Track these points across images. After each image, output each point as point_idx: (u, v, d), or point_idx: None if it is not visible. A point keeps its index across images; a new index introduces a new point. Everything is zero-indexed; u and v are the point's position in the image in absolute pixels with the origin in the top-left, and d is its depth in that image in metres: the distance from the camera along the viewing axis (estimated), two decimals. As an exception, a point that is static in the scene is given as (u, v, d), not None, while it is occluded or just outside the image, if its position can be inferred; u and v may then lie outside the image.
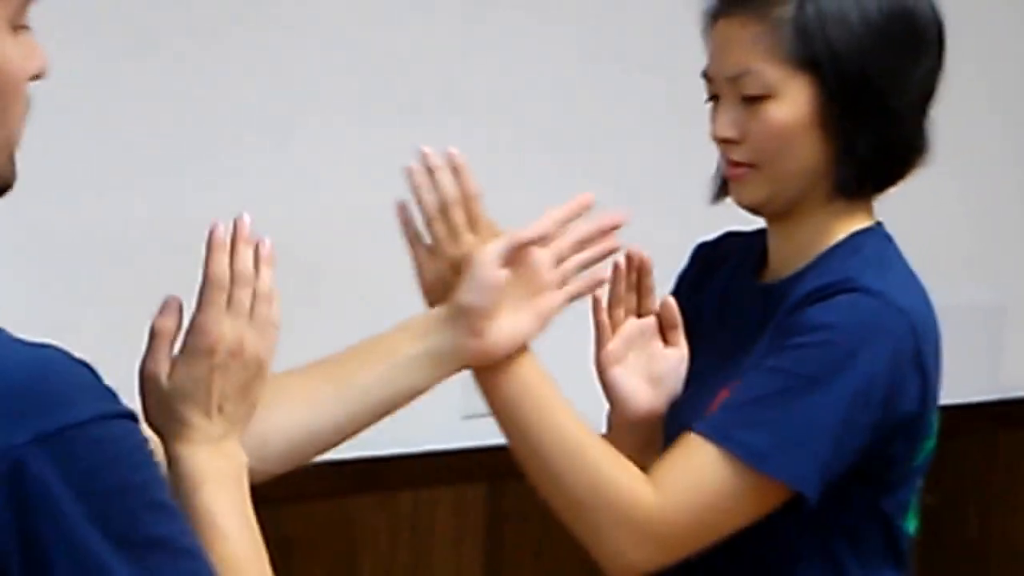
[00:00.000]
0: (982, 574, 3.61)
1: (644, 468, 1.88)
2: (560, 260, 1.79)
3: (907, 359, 1.80)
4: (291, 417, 1.67)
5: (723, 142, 1.85)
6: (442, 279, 1.78)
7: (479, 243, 1.77)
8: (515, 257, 1.75)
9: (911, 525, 1.92)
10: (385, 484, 2.90)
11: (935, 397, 1.86)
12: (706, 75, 1.87)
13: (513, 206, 3.14)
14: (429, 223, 1.79)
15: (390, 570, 2.99)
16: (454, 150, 1.78)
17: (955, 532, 3.56)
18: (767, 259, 1.94)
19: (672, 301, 1.92)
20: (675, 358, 1.93)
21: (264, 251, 1.53)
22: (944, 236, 3.38)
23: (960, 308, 3.23)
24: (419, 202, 1.78)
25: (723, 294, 1.98)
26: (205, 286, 1.50)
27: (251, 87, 2.83)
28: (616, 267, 1.90)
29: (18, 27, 1.32)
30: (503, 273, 1.74)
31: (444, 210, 1.78)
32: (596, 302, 1.90)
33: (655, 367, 1.93)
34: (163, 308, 1.50)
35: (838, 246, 1.87)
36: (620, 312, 1.92)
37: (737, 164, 1.85)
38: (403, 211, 1.80)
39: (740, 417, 1.78)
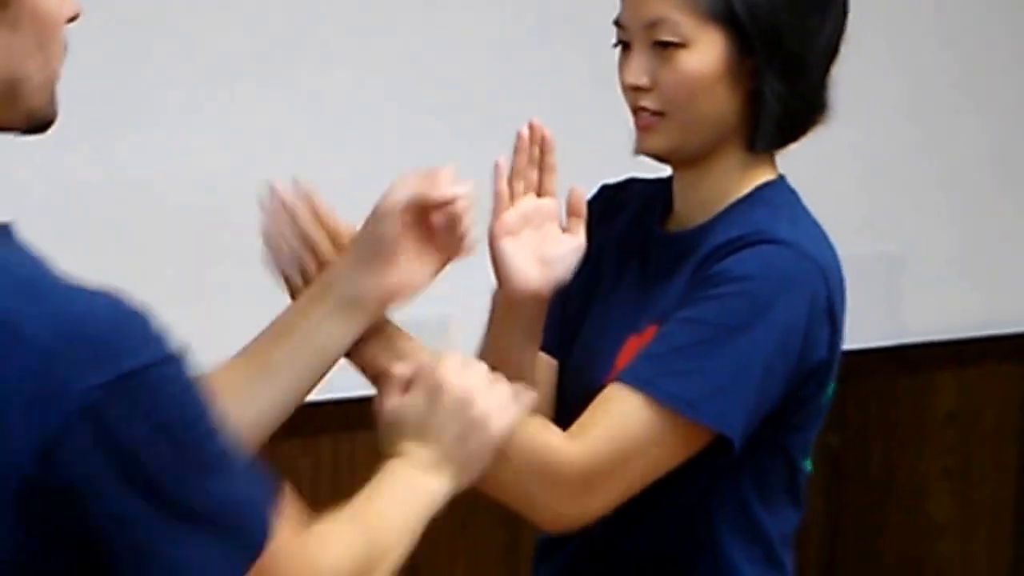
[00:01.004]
0: (885, 508, 3.64)
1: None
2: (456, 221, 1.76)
3: (820, 309, 1.82)
4: (228, 414, 1.66)
5: (633, 89, 1.85)
6: None
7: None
8: (415, 211, 1.73)
9: (808, 464, 1.94)
10: (306, 430, 2.85)
11: (841, 344, 1.88)
12: (618, 22, 1.87)
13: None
14: (298, 259, 1.78)
15: (313, 511, 2.97)
16: (301, 179, 1.78)
17: (859, 470, 3.59)
18: (672, 207, 1.94)
19: (580, 191, 1.87)
20: (570, 245, 1.85)
21: None
22: (847, 189, 3.41)
23: (862, 258, 3.28)
24: (280, 242, 1.78)
25: (624, 239, 1.98)
26: None
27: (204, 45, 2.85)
28: (519, 138, 1.85)
29: None
30: (397, 222, 1.72)
31: (307, 244, 1.77)
32: (497, 169, 1.84)
33: (548, 249, 1.85)
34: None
35: (746, 198, 1.88)
36: (520, 186, 1.85)
37: (646, 112, 1.85)
38: (270, 240, 1.79)
39: (664, 366, 1.78)
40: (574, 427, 1.79)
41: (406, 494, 1.62)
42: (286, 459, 2.92)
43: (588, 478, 1.78)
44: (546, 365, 1.99)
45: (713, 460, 1.81)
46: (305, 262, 1.77)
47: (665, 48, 1.82)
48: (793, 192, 1.91)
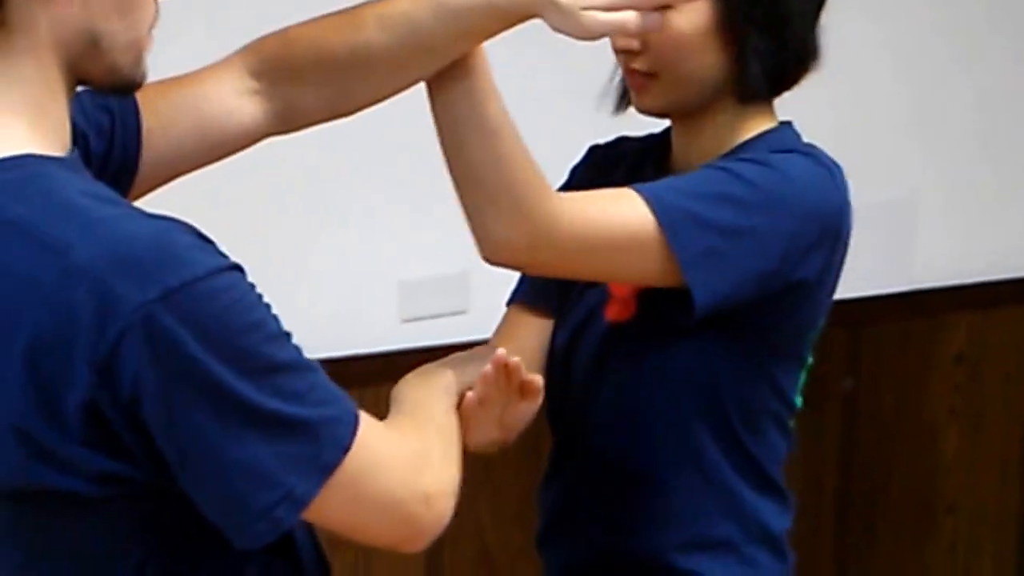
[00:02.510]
0: (896, 446, 3.63)
1: None
2: None
3: (832, 228, 1.81)
4: (370, 88, 1.69)
5: (624, 52, 1.84)
6: None
7: None
8: None
9: (798, 400, 1.95)
10: (335, 383, 2.86)
11: (836, 278, 1.87)
12: None
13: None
14: None
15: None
16: None
17: (871, 412, 3.58)
18: (670, 158, 1.94)
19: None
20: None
21: None
22: (856, 140, 3.35)
23: (873, 206, 3.24)
24: None
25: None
26: None
27: None
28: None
29: None
30: None
31: None
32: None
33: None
34: None
35: (750, 140, 1.86)
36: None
37: (638, 73, 1.84)
38: None
39: (679, 196, 1.75)
40: (571, 192, 1.80)
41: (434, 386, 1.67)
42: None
43: (547, 227, 1.71)
44: (535, 322, 1.99)
45: (692, 385, 1.84)
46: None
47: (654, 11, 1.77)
48: (799, 136, 1.90)
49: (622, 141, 2.03)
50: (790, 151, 1.83)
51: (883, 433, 3.61)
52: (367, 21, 1.66)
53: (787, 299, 1.82)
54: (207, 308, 1.30)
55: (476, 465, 3.06)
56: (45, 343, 1.29)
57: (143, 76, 1.43)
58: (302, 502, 1.36)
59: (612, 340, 1.89)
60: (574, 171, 2.02)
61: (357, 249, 2.92)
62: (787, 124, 1.91)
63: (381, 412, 3.04)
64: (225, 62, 1.71)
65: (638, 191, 1.76)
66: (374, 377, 2.89)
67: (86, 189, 1.36)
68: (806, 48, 1.86)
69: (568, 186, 1.99)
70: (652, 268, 1.76)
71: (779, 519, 1.96)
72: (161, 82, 1.65)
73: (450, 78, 1.69)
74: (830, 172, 1.83)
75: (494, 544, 3.16)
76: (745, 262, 1.76)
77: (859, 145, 3.34)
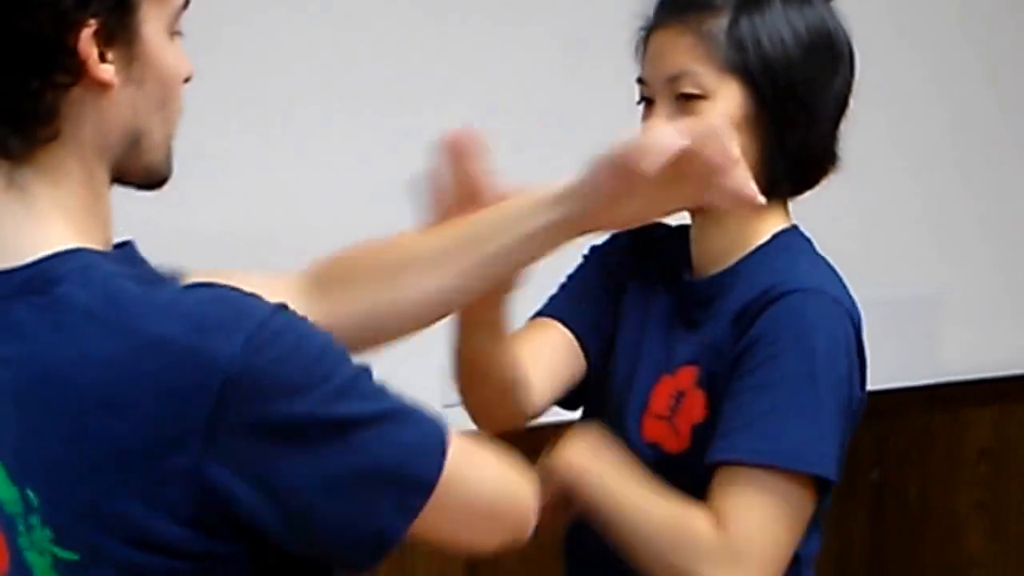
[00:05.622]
0: (920, 541, 3.63)
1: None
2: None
3: (853, 348, 1.81)
4: (420, 283, 1.61)
5: None
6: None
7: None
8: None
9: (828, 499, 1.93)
10: None
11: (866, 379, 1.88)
12: (641, 79, 1.86)
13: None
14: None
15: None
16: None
17: (896, 504, 3.58)
18: (690, 255, 1.92)
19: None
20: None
21: None
22: (886, 237, 3.38)
23: (900, 301, 3.30)
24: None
25: (647, 287, 1.97)
26: None
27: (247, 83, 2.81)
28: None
29: (174, 33, 1.39)
30: (605, 173, 1.58)
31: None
32: None
33: None
34: None
35: (765, 245, 1.87)
36: None
37: None
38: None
39: (760, 434, 1.76)
40: (716, 517, 1.77)
41: None
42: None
43: (736, 553, 1.75)
44: (552, 330, 1.96)
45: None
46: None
47: (688, 100, 1.80)
48: (808, 239, 1.90)
49: (657, 226, 1.99)
50: (794, 291, 1.79)
51: (909, 526, 3.60)
52: (424, 236, 1.65)
53: (853, 419, 1.84)
54: (285, 342, 1.29)
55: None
56: (135, 422, 1.28)
57: (171, 169, 1.43)
58: (428, 485, 1.33)
59: (663, 469, 1.85)
60: (596, 248, 2.00)
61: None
62: (796, 227, 1.91)
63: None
64: (276, 273, 1.67)
65: (733, 462, 1.76)
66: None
67: (135, 275, 1.36)
68: (827, 151, 1.87)
69: (588, 259, 2.00)
70: (801, 494, 1.77)
71: None
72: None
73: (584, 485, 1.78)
74: (832, 301, 1.81)
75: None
76: (836, 427, 1.77)
77: (885, 245, 3.38)
